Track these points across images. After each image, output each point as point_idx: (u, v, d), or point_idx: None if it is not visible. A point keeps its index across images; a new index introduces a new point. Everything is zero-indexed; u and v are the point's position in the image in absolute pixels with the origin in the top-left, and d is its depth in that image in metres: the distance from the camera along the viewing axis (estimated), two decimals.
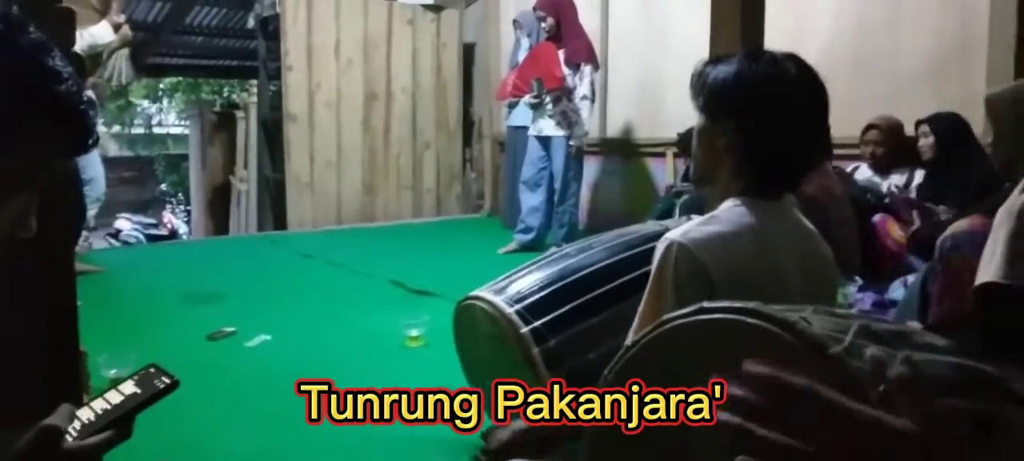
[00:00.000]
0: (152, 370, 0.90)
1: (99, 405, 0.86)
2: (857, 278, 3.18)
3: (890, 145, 3.71)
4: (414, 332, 3.02)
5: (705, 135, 1.33)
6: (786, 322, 0.81)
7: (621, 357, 0.97)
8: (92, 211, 4.52)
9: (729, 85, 1.28)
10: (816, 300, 1.30)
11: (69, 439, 0.80)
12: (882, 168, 3.72)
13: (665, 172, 5.35)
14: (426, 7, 6.77)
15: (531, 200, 4.99)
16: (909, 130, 3.75)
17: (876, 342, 0.85)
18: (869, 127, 3.76)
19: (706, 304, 0.89)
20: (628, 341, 1.31)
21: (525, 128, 5.17)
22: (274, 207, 6.99)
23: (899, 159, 3.71)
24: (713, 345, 0.88)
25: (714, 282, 1.17)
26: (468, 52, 7.11)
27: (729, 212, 1.26)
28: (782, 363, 0.81)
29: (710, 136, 1.31)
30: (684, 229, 1.23)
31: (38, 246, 1.23)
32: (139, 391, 0.87)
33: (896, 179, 3.65)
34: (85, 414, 0.84)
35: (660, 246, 1.24)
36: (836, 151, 3.67)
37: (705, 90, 1.31)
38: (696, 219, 1.28)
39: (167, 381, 0.89)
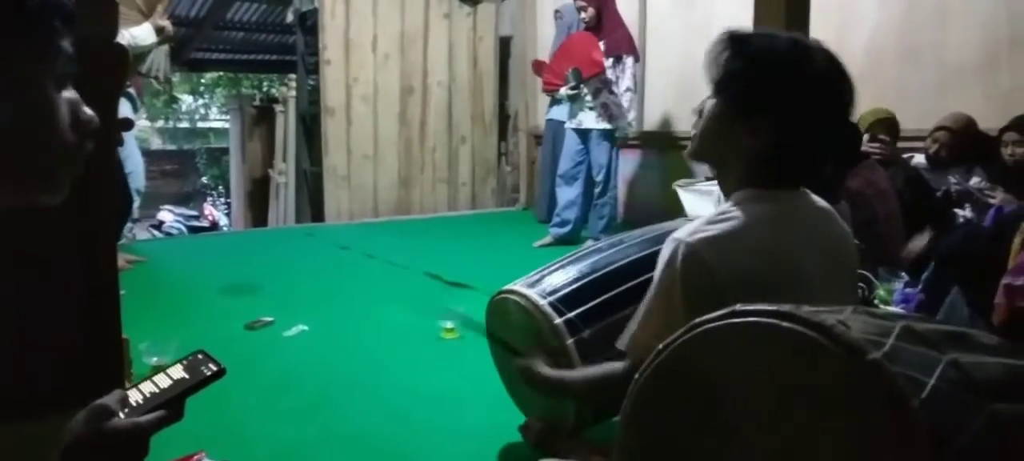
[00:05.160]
0: (200, 356, 0.91)
1: (148, 388, 0.86)
2: (903, 274, 3.09)
3: (957, 148, 3.55)
4: (449, 324, 3.02)
5: (722, 122, 1.25)
6: (822, 326, 0.79)
7: (652, 361, 0.95)
8: (134, 203, 4.60)
9: (767, 88, 1.19)
10: (838, 284, 1.27)
11: (120, 417, 0.81)
12: (941, 166, 3.58)
13: (704, 166, 5.27)
14: (463, 1, 6.77)
15: (567, 194, 4.96)
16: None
17: (920, 344, 0.81)
18: (940, 128, 3.60)
19: (739, 307, 0.87)
20: (628, 336, 1.31)
21: (562, 122, 5.14)
22: (312, 200, 7.06)
23: (960, 159, 3.57)
24: (747, 349, 0.86)
25: (722, 282, 1.14)
26: (504, 46, 7.09)
27: (741, 207, 1.22)
28: (818, 369, 0.78)
29: (729, 126, 1.24)
30: (691, 228, 1.21)
31: (81, 232, 1.25)
32: (187, 376, 0.88)
33: (952, 178, 3.52)
34: (133, 397, 0.84)
35: (667, 245, 1.21)
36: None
37: (729, 74, 1.22)
38: (706, 216, 1.25)
39: (214, 368, 0.89)
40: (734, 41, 1.23)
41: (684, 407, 0.92)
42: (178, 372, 0.88)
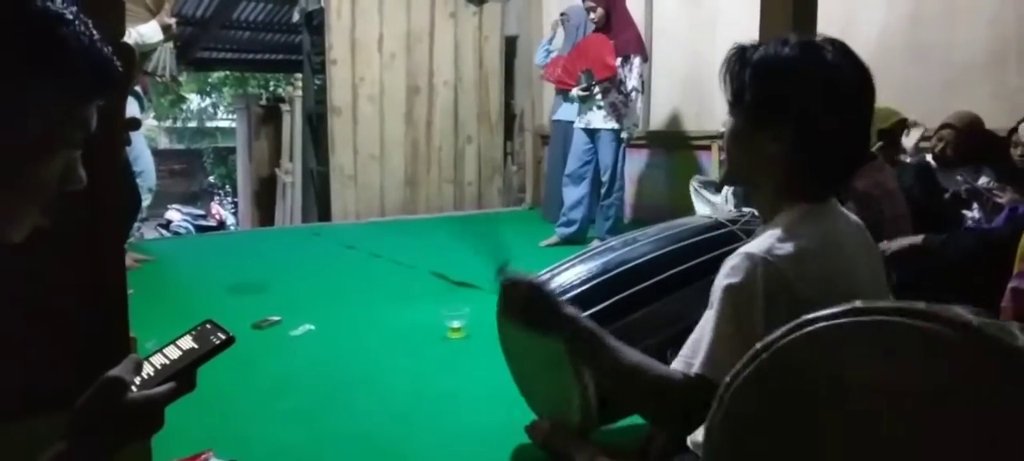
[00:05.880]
0: (208, 325, 0.90)
1: (158, 360, 0.86)
2: None
3: (963, 146, 3.52)
4: (455, 324, 3.02)
5: (746, 139, 1.22)
6: (963, 322, 0.76)
7: (748, 363, 0.92)
8: (145, 202, 4.62)
9: (779, 88, 1.16)
10: (879, 295, 1.25)
11: (133, 390, 0.81)
12: (947, 166, 3.56)
13: (711, 165, 5.27)
14: (468, 0, 6.77)
15: (574, 194, 4.96)
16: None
17: None
18: (945, 125, 3.57)
19: (859, 304, 0.85)
20: (704, 356, 1.17)
21: (570, 122, 5.13)
22: (318, 199, 7.08)
23: (967, 158, 3.54)
24: (864, 349, 0.83)
25: (802, 299, 1.08)
26: (510, 45, 7.09)
27: (800, 224, 1.18)
28: (957, 364, 0.76)
29: (753, 141, 1.20)
30: (765, 245, 1.14)
31: (90, 231, 1.25)
32: (196, 346, 0.88)
33: (959, 177, 3.48)
34: (145, 369, 0.85)
35: (738, 261, 1.14)
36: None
37: (747, 88, 1.19)
38: (769, 234, 1.18)
39: (223, 337, 0.88)
40: (739, 52, 1.21)
41: (789, 410, 0.89)
42: (187, 342, 0.88)
